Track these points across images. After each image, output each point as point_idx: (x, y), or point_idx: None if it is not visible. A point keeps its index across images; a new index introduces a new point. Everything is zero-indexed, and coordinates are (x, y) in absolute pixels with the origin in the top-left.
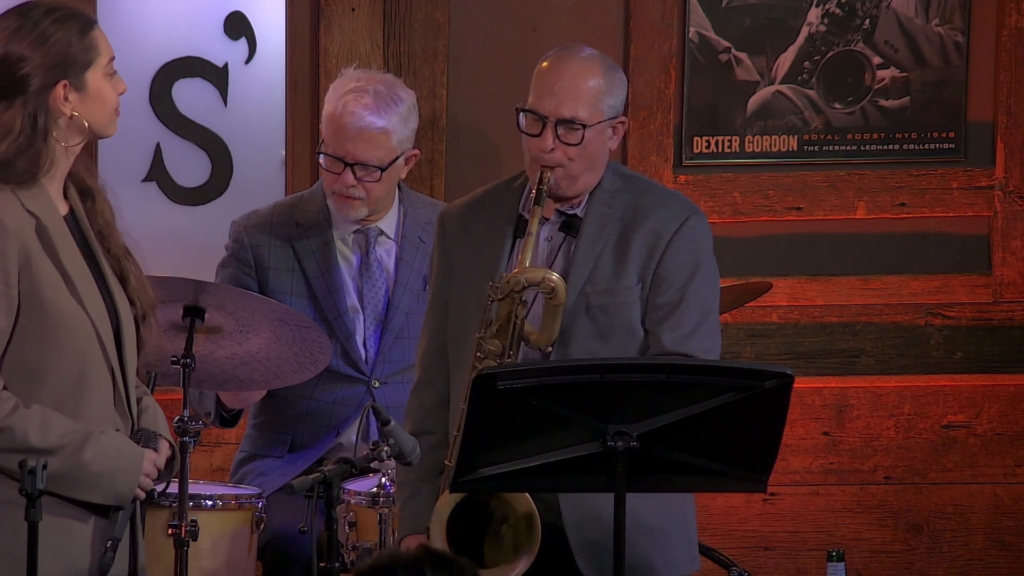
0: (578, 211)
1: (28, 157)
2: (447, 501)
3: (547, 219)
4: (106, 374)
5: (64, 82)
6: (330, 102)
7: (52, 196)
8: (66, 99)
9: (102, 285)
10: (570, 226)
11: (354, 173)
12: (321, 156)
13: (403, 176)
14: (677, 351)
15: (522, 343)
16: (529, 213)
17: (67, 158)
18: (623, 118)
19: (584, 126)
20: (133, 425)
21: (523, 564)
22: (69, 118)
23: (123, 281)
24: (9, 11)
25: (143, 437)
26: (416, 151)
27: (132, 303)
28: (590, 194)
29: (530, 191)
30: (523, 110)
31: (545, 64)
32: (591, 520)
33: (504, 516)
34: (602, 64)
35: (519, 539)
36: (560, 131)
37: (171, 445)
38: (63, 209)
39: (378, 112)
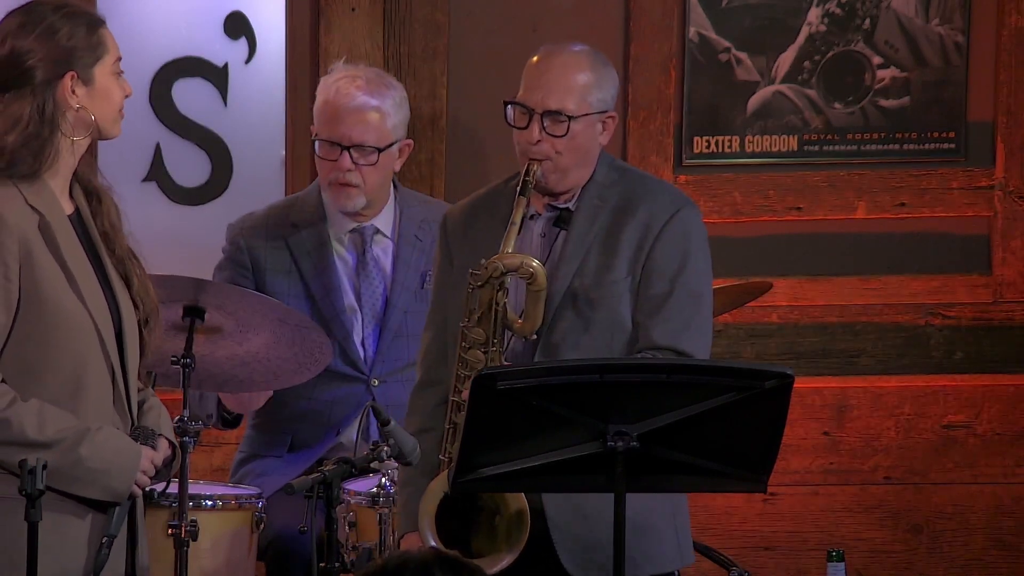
0: (570, 205)
1: (33, 149)
2: (436, 490)
3: (540, 214)
4: (105, 373)
5: (72, 73)
6: (322, 92)
7: (57, 194)
8: (73, 91)
9: (105, 285)
10: (563, 220)
11: (351, 157)
12: (317, 144)
13: (397, 169)
14: (666, 345)
15: (507, 331)
16: (528, 207)
17: (72, 155)
18: (613, 113)
19: (570, 118)
20: (133, 424)
21: (510, 556)
22: (76, 111)
23: (127, 283)
24: (17, 8)
25: (141, 435)
26: (410, 141)
27: (136, 305)
28: (583, 187)
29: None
30: (511, 103)
31: (535, 59)
32: (574, 516)
33: (495, 507)
34: (591, 58)
35: (509, 530)
36: (546, 123)
37: (171, 444)
38: (68, 208)
39: (372, 93)
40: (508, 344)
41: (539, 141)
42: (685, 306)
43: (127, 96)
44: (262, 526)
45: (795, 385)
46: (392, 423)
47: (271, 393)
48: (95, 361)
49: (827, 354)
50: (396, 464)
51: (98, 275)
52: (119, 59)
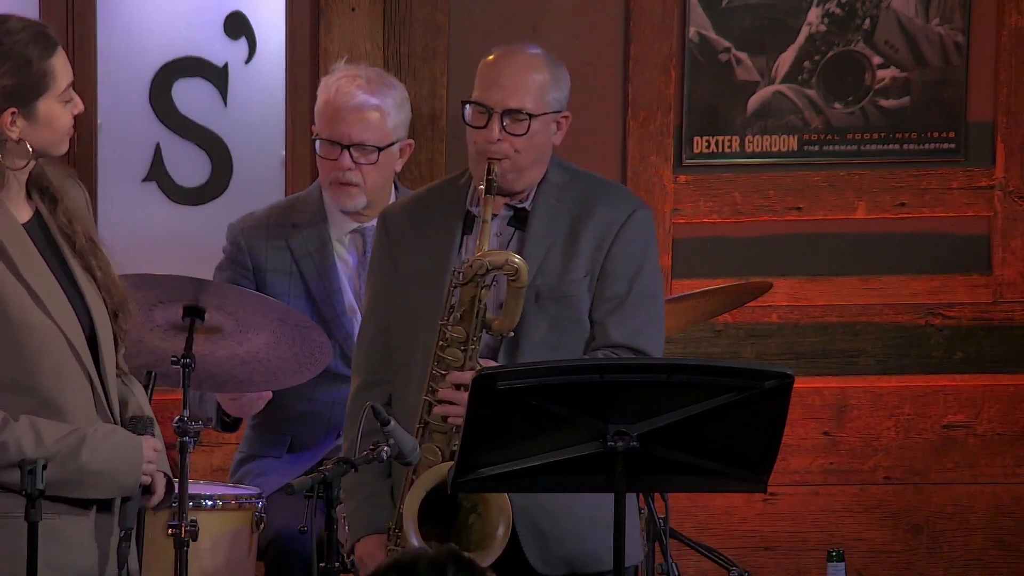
0: (526, 204)
1: None
2: (418, 491)
3: (495, 215)
4: (84, 382)
5: (12, 110)
6: (323, 91)
7: (10, 207)
8: (13, 123)
9: (71, 286)
10: (520, 220)
11: (351, 156)
12: (317, 143)
13: (398, 169)
14: (626, 344)
15: (485, 331)
16: (478, 207)
17: (19, 175)
18: (567, 113)
19: (530, 116)
20: (116, 423)
21: (492, 554)
22: (16, 142)
23: (92, 276)
24: None
25: (138, 425)
26: (411, 141)
27: (106, 297)
28: (537, 187)
29: (477, 186)
30: (469, 102)
31: (491, 58)
32: (539, 511)
33: (474, 505)
34: (546, 59)
35: (488, 529)
36: (506, 122)
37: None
38: (26, 214)
39: (372, 92)
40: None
41: (499, 140)
42: (643, 305)
43: (78, 113)
44: (262, 526)
45: (795, 385)
46: (392, 423)
47: (269, 396)
48: (71, 373)
49: (827, 354)
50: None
51: (65, 275)
52: (70, 84)
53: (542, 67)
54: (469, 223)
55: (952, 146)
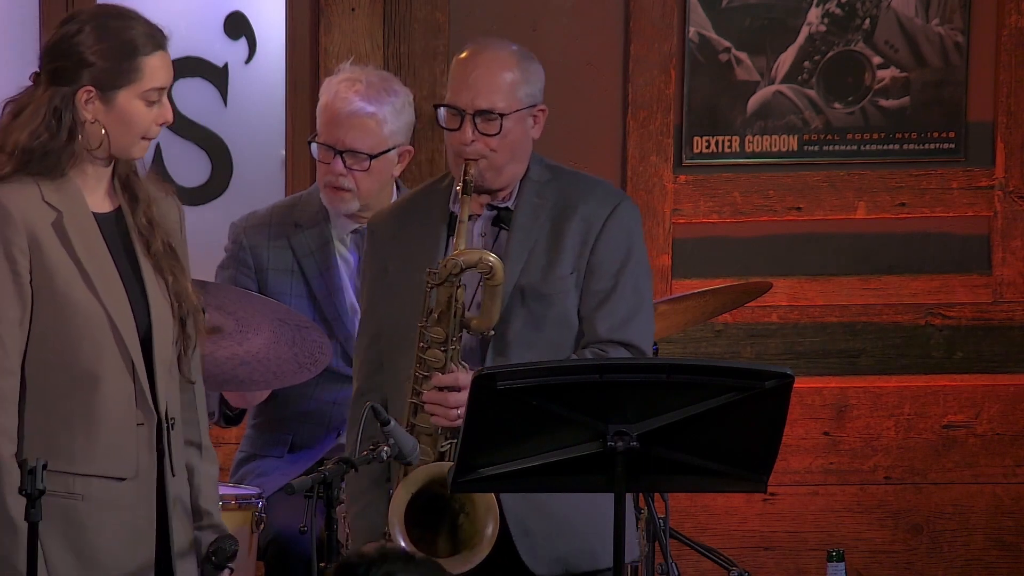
0: (509, 203)
1: (49, 152)
2: (403, 493)
3: (478, 215)
4: (123, 369)
5: (89, 88)
6: (324, 93)
7: (84, 191)
8: (88, 103)
9: (136, 282)
10: (502, 219)
11: (344, 161)
12: (313, 145)
13: (396, 174)
14: (613, 339)
15: (464, 331)
16: (455, 206)
17: (96, 161)
18: (543, 106)
19: (501, 115)
20: (161, 421)
21: (478, 556)
22: (91, 123)
23: (164, 280)
24: (99, 6)
25: (220, 555)
26: (410, 147)
27: (174, 302)
28: (519, 185)
29: (457, 186)
30: (441, 105)
31: (462, 56)
32: (532, 511)
33: (462, 506)
34: (516, 54)
35: (476, 528)
36: (478, 122)
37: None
38: (108, 206)
39: (369, 99)
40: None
41: (473, 141)
42: (629, 299)
43: (164, 124)
44: (262, 526)
45: (795, 385)
46: (392, 423)
47: (268, 391)
48: (110, 356)
49: (827, 354)
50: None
51: (132, 271)
52: (159, 88)
53: (511, 64)
54: (453, 224)
55: (952, 146)
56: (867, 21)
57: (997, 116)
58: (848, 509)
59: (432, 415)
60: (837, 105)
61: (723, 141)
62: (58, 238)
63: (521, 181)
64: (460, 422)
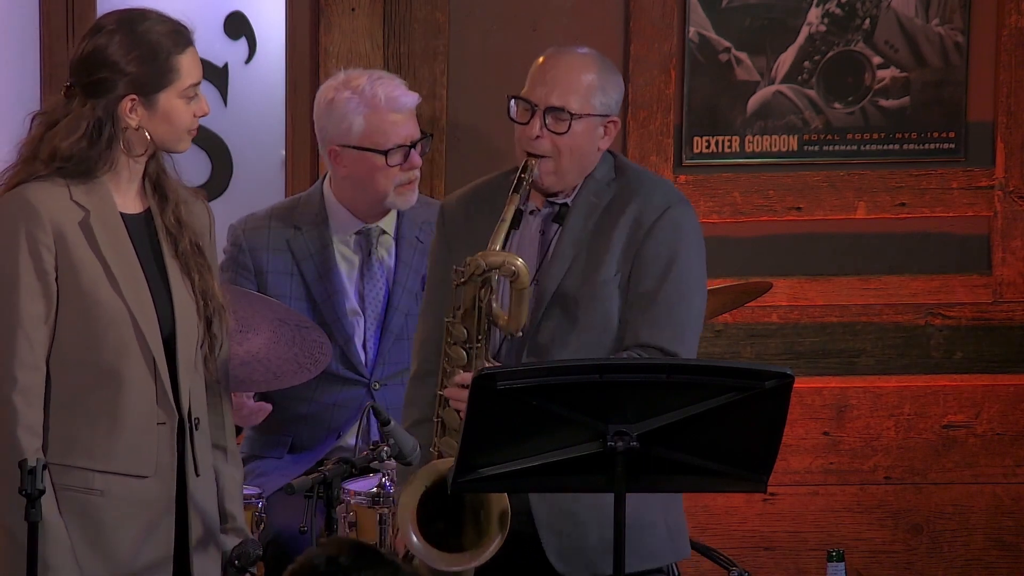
0: (568, 201)
1: (86, 159)
2: (417, 485)
3: (539, 209)
4: (145, 367)
5: (133, 97)
6: (359, 95)
7: (115, 193)
8: (132, 111)
9: (162, 282)
10: (560, 217)
11: (418, 149)
12: (358, 150)
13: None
14: (652, 344)
15: (494, 329)
16: (527, 202)
17: (132, 164)
18: (616, 118)
19: (572, 116)
20: (183, 420)
21: (490, 551)
22: (135, 129)
23: (190, 280)
24: (119, 12)
25: (243, 559)
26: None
27: (200, 302)
28: (582, 183)
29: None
30: (515, 97)
31: (542, 58)
32: (562, 516)
33: (473, 502)
34: (598, 62)
35: (488, 526)
36: (548, 119)
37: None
38: (137, 207)
39: (409, 92)
40: (500, 343)
41: (539, 136)
42: (673, 304)
43: (202, 115)
44: (262, 526)
45: (795, 385)
46: (392, 423)
47: (269, 409)
48: (133, 355)
49: (827, 354)
50: (396, 464)
51: (158, 271)
52: (195, 83)
53: (592, 68)
54: (517, 218)
55: (952, 146)
56: (867, 21)
57: (997, 116)
58: (848, 509)
59: (457, 411)
60: (837, 105)
61: (723, 141)
62: (84, 236)
63: (585, 178)
64: None
